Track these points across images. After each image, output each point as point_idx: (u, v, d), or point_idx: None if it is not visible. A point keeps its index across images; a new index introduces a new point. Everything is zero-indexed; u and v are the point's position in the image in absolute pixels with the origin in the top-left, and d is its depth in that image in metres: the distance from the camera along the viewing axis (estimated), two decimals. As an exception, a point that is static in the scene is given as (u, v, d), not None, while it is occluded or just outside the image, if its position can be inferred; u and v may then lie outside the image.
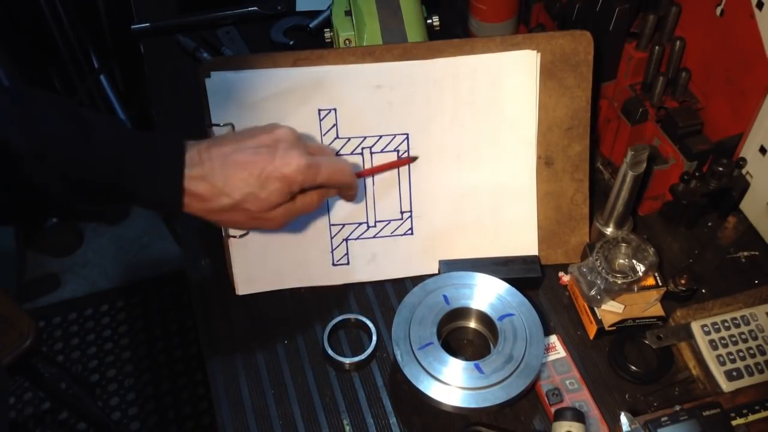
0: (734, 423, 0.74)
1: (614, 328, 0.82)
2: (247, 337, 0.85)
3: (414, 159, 0.86)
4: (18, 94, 0.63)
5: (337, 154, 0.86)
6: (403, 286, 0.89)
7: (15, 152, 0.58)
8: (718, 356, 0.79)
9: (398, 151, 0.86)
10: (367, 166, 0.86)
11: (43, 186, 0.61)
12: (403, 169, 0.87)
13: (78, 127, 0.62)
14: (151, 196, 0.67)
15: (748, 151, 0.88)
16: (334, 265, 0.89)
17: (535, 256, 0.89)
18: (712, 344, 0.80)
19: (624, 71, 0.94)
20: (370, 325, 0.84)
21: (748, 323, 0.81)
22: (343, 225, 0.88)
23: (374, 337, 0.83)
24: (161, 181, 0.67)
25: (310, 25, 1.18)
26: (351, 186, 0.78)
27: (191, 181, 0.67)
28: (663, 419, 0.71)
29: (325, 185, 0.75)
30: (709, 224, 0.94)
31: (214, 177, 0.68)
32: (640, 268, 0.80)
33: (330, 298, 0.88)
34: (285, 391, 0.81)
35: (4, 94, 0.63)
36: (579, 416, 0.71)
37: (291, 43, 1.18)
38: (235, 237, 0.86)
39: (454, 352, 0.80)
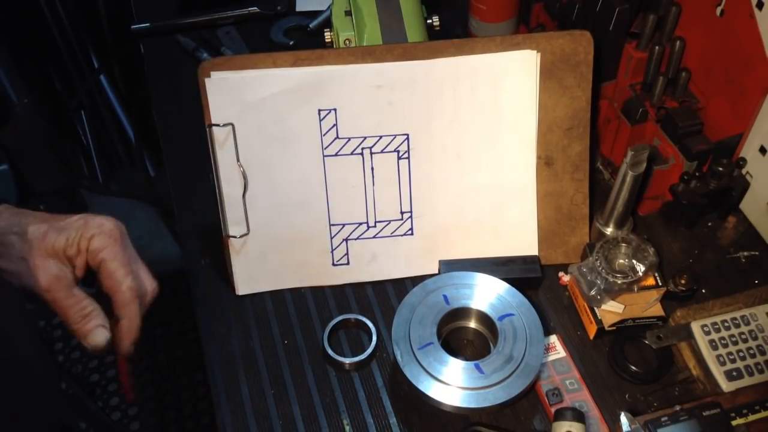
0: (734, 423, 0.74)
1: (614, 328, 0.82)
2: (247, 337, 0.85)
3: None
4: None
5: (337, 154, 0.86)
6: (403, 286, 0.89)
7: None
8: (718, 356, 0.79)
9: (398, 152, 0.86)
10: (367, 165, 0.86)
11: None
12: (404, 169, 0.87)
13: None
14: None
15: (748, 151, 0.88)
16: (334, 265, 0.89)
17: (535, 256, 0.89)
18: (712, 344, 0.80)
19: (624, 71, 0.94)
20: (370, 325, 0.84)
21: (748, 323, 0.81)
22: (343, 225, 0.88)
23: (374, 337, 0.83)
24: None
25: (310, 25, 1.18)
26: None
27: None
28: (663, 419, 0.71)
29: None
30: (709, 224, 0.94)
31: None
32: (640, 268, 0.80)
33: (330, 298, 0.88)
34: (285, 391, 0.81)
35: None
36: (579, 416, 0.71)
37: (291, 43, 1.18)
38: (235, 237, 0.86)
39: (454, 352, 0.80)
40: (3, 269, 0.63)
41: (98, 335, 0.64)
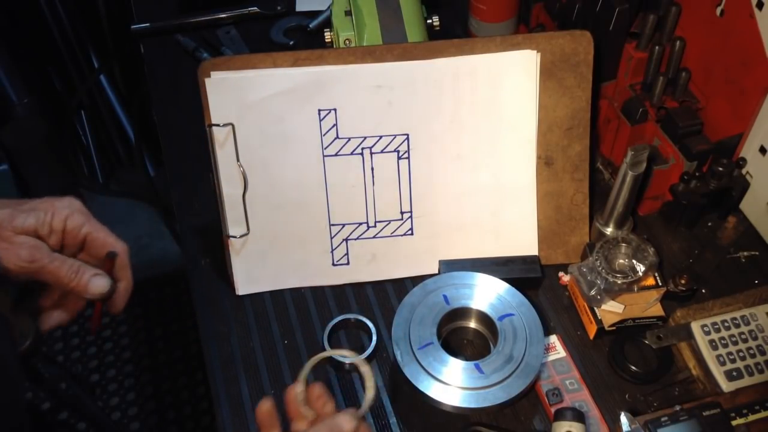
0: (734, 423, 0.74)
1: (614, 328, 0.82)
2: (247, 337, 0.85)
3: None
4: None
5: (337, 154, 0.86)
6: (403, 286, 0.89)
7: None
8: (718, 356, 0.79)
9: (398, 152, 0.86)
10: (367, 165, 0.86)
11: None
12: (404, 169, 0.87)
13: None
14: None
15: (748, 151, 0.88)
16: (334, 265, 0.89)
17: (535, 256, 0.89)
18: (712, 344, 0.80)
19: (624, 71, 0.94)
20: (370, 325, 0.84)
21: (748, 323, 0.81)
22: (343, 225, 0.88)
23: (374, 337, 0.83)
24: None
25: (310, 25, 1.18)
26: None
27: None
28: (663, 419, 0.71)
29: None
30: (709, 224, 0.94)
31: None
32: (640, 268, 0.80)
33: (330, 298, 0.88)
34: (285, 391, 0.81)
35: None
36: (579, 416, 0.71)
37: (291, 43, 1.18)
38: (235, 237, 0.86)
39: (454, 352, 0.80)
40: None
41: (99, 282, 0.66)
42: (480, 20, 1.07)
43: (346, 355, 0.74)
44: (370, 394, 0.63)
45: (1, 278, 0.64)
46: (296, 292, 0.89)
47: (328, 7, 1.08)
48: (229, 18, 1.20)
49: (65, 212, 0.66)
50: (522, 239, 0.89)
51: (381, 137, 0.86)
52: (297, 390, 0.63)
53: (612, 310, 0.82)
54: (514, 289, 0.82)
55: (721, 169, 0.88)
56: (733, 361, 0.78)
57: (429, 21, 1.01)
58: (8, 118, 1.79)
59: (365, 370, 0.65)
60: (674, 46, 0.89)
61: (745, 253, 0.90)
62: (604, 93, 0.97)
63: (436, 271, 0.88)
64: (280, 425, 0.63)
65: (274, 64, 0.83)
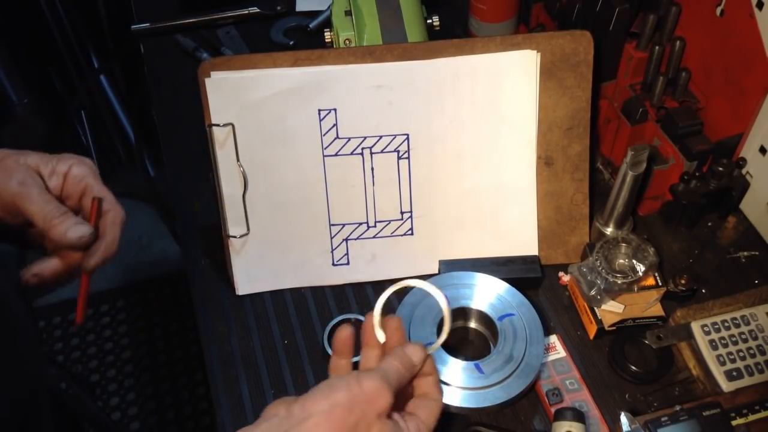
0: (734, 423, 0.74)
1: (614, 328, 0.82)
2: (247, 337, 0.85)
3: None
4: None
5: (337, 154, 0.86)
6: (403, 286, 0.89)
7: None
8: (718, 356, 0.79)
9: (398, 152, 0.86)
10: (367, 165, 0.86)
11: None
12: (404, 169, 0.87)
13: None
14: None
15: (748, 151, 0.88)
16: (334, 265, 0.89)
17: (535, 256, 0.89)
18: (712, 344, 0.80)
19: (624, 71, 0.94)
20: (371, 323, 0.84)
21: (748, 323, 0.81)
22: (343, 225, 0.88)
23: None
24: None
25: (310, 25, 1.18)
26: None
27: None
28: (663, 419, 0.71)
29: None
30: (709, 224, 0.94)
31: None
32: (640, 268, 0.80)
33: (330, 298, 0.88)
34: (285, 391, 0.81)
35: None
36: (579, 416, 0.71)
37: (291, 43, 1.18)
38: (235, 237, 0.86)
39: (454, 352, 0.80)
40: None
41: (80, 227, 0.63)
42: (480, 20, 1.07)
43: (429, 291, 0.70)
44: (447, 328, 0.63)
45: None
46: (296, 292, 0.89)
47: (328, 7, 1.08)
48: (229, 18, 1.20)
49: (72, 160, 0.66)
50: (522, 239, 0.89)
51: (381, 137, 0.86)
52: (375, 316, 0.63)
53: (612, 310, 0.82)
54: (514, 289, 0.82)
55: (721, 169, 0.88)
56: (733, 361, 0.78)
57: (429, 21, 1.01)
58: (8, 118, 1.79)
59: (445, 308, 0.64)
60: (674, 46, 0.89)
61: (745, 253, 0.90)
62: (604, 93, 0.97)
63: (436, 271, 0.88)
64: (352, 354, 0.63)
65: (274, 64, 0.83)
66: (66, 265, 0.65)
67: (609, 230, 0.88)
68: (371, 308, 0.87)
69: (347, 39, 0.99)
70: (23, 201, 0.62)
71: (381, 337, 0.63)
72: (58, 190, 0.66)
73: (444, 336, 0.64)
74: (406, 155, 0.87)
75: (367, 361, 0.63)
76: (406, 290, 0.84)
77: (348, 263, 0.89)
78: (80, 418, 1.44)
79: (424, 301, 0.81)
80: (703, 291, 0.87)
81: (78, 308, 0.65)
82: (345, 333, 0.62)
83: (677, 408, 0.72)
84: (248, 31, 1.20)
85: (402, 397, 0.61)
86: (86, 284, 0.65)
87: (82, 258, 0.64)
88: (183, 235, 0.95)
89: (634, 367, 0.80)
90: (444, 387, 0.75)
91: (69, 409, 1.04)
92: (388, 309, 0.86)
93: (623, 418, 0.71)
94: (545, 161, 0.88)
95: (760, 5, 0.80)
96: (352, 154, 0.86)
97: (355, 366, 0.62)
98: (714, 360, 0.79)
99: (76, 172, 0.66)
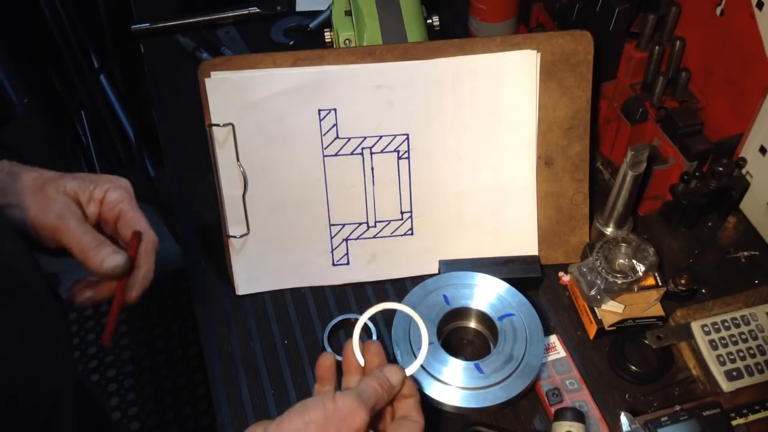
0: (734, 423, 0.74)
1: (614, 328, 0.82)
2: (247, 337, 0.85)
3: None
4: None
5: (337, 154, 0.86)
6: (403, 286, 0.89)
7: None
8: (718, 356, 0.79)
9: (398, 152, 0.86)
10: (367, 165, 0.86)
11: None
12: (404, 169, 0.87)
13: None
14: None
15: (748, 151, 0.88)
16: (334, 265, 0.89)
17: (535, 256, 0.89)
18: (712, 344, 0.80)
19: (624, 71, 0.94)
20: (370, 325, 0.84)
21: (748, 323, 0.81)
22: (343, 225, 0.88)
23: (374, 337, 0.83)
24: None
25: (310, 25, 1.18)
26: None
27: None
28: (663, 419, 0.71)
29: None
30: (709, 224, 0.94)
31: None
32: (640, 268, 0.80)
33: (330, 298, 0.88)
34: (285, 391, 0.81)
35: None
36: (579, 416, 0.71)
37: (291, 43, 1.18)
38: (235, 237, 0.86)
39: (454, 352, 0.80)
40: (6, 204, 0.63)
41: (115, 257, 0.64)
42: (480, 20, 1.07)
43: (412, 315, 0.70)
44: (423, 351, 0.63)
45: (32, 241, 0.64)
46: (296, 292, 0.89)
47: (328, 7, 1.08)
48: (229, 18, 1.20)
49: (107, 185, 0.67)
50: (522, 239, 0.89)
51: (381, 137, 0.86)
52: (354, 341, 0.63)
53: (612, 310, 0.82)
54: (514, 289, 0.82)
55: (721, 169, 0.88)
56: (733, 361, 0.78)
57: (429, 21, 1.01)
58: (8, 118, 1.79)
59: (422, 327, 0.65)
60: (674, 46, 0.89)
61: (745, 253, 0.90)
62: (604, 93, 0.97)
63: (436, 271, 0.88)
64: (335, 381, 0.64)
65: (274, 64, 0.83)
66: (110, 291, 0.68)
67: (609, 230, 0.88)
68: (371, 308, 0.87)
69: (347, 39, 0.99)
70: (61, 234, 0.64)
71: (361, 360, 0.63)
72: (95, 218, 0.67)
73: (422, 357, 0.64)
74: (406, 155, 0.87)
75: (348, 386, 0.64)
76: (405, 291, 0.84)
77: (348, 263, 0.89)
78: (102, 410, 1.44)
79: (424, 301, 0.81)
80: (703, 291, 0.87)
81: (106, 332, 0.67)
82: (327, 361, 0.63)
83: (677, 408, 0.72)
84: (248, 31, 1.20)
85: (382, 420, 0.62)
86: (116, 311, 0.67)
87: (123, 284, 0.66)
88: (183, 235, 0.95)
89: (634, 367, 0.80)
90: (444, 387, 0.75)
91: (92, 400, 1.05)
92: (389, 309, 0.86)
93: (623, 418, 0.71)
94: (545, 161, 0.88)
95: (760, 5, 0.80)
96: (352, 154, 0.86)
97: None
98: (714, 360, 0.79)
99: (112, 197, 0.67)
